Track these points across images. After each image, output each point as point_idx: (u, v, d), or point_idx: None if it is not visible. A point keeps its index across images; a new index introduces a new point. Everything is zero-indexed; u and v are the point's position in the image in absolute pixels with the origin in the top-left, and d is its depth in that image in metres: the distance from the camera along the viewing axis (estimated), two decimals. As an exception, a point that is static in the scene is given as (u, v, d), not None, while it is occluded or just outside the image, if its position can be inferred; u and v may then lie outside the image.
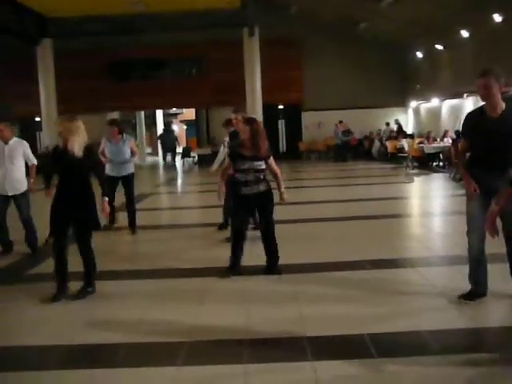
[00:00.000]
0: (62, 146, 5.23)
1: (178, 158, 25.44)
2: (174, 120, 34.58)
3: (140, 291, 5.40)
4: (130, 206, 8.49)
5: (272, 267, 5.68)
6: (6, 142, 6.78)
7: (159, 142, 25.55)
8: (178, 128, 34.05)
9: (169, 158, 24.32)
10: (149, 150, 29.97)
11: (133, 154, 8.44)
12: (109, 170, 8.23)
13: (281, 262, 5.76)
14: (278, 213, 5.88)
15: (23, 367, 3.78)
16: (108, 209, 5.50)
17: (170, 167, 23.61)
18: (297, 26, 22.06)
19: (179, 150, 26.25)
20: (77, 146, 5.10)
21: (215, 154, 9.66)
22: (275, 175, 5.69)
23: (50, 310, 4.89)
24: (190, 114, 30.80)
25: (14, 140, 6.86)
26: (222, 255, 6.06)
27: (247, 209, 5.75)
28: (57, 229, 5.20)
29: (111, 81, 23.62)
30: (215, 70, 23.09)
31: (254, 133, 5.42)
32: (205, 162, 21.36)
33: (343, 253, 6.53)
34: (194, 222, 9.87)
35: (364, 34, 21.55)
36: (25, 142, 7.01)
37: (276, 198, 5.71)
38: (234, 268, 5.68)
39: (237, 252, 5.68)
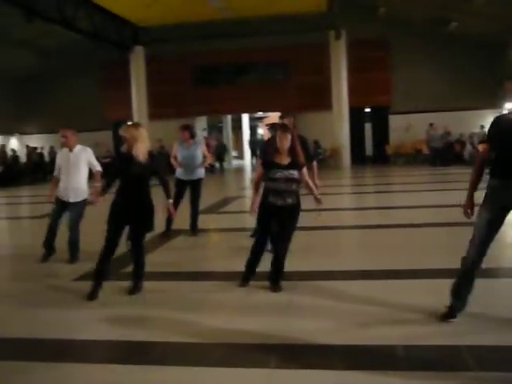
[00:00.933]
0: (126, 151, 5.36)
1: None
2: (260, 124, 34.83)
3: (184, 293, 5.50)
4: (194, 210, 8.40)
5: (274, 283, 5.33)
6: (71, 150, 6.83)
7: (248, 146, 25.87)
8: (263, 132, 34.28)
9: (254, 161, 24.56)
10: (235, 154, 30.38)
11: (204, 158, 8.41)
12: (179, 173, 8.37)
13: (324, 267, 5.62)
14: (362, 218, 5.72)
15: (83, 360, 3.98)
16: (173, 211, 5.71)
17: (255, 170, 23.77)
18: (384, 27, 21.55)
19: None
20: (142, 152, 5.28)
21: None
22: (307, 185, 5.40)
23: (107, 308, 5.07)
24: (275, 117, 30.93)
25: (79, 147, 6.89)
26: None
27: (270, 220, 5.29)
28: (112, 232, 5.29)
29: (198, 86, 24.18)
30: (301, 73, 23.04)
31: (293, 141, 5.21)
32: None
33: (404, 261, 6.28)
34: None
35: (455, 33, 20.71)
36: (89, 149, 7.02)
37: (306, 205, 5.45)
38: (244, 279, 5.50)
39: (251, 265, 5.46)
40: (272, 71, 24.39)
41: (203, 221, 8.74)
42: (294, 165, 5.17)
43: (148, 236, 5.67)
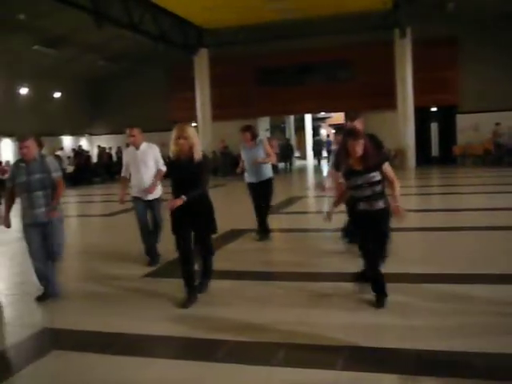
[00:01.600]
0: (176, 153, 5.17)
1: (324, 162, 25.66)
2: (322, 124, 34.64)
3: (251, 292, 5.55)
4: (264, 211, 8.22)
5: (379, 296, 4.92)
6: (138, 148, 6.80)
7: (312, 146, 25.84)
8: (326, 132, 34.06)
9: (316, 161, 24.44)
10: (297, 154, 30.31)
11: (269, 156, 8.10)
12: (247, 177, 8.19)
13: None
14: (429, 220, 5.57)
15: (152, 355, 4.08)
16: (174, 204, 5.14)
17: (317, 171, 23.72)
18: (453, 24, 20.91)
19: (324, 154, 26.36)
20: (198, 151, 5.14)
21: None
22: (391, 183, 4.90)
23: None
24: (338, 117, 30.63)
25: (145, 145, 6.83)
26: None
27: (366, 227, 4.93)
28: (180, 240, 5.21)
29: (262, 87, 24.28)
30: (365, 72, 22.72)
31: (365, 144, 4.79)
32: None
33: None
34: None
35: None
36: (155, 145, 6.92)
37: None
38: (360, 279, 5.28)
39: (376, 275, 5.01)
40: (335, 71, 24.18)
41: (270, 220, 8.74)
42: (372, 167, 4.81)
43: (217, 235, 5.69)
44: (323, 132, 33.93)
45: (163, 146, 19.65)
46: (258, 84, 24.35)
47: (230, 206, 12.67)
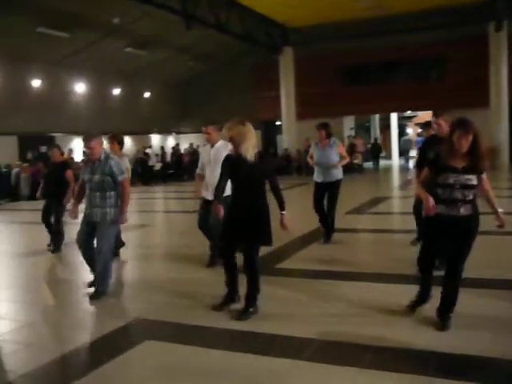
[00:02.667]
0: (233, 152, 4.88)
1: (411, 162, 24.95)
2: (408, 123, 33.72)
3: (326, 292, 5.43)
4: (330, 213, 7.96)
5: (444, 318, 4.38)
6: (213, 145, 6.61)
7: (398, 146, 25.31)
8: (412, 131, 33.13)
9: (402, 161, 23.82)
10: (382, 154, 29.65)
11: (342, 159, 7.82)
12: (315, 175, 7.98)
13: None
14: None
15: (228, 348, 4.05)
16: (287, 225, 4.87)
17: (403, 171, 23.13)
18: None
19: (412, 153, 25.60)
20: (250, 150, 4.74)
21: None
22: (486, 192, 4.31)
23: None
24: (426, 116, 29.72)
25: (220, 143, 6.56)
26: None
27: (440, 235, 4.38)
28: (226, 243, 4.91)
29: (347, 85, 23.97)
30: (454, 69, 21.86)
31: (476, 139, 4.18)
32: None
33: None
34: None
35: None
36: (230, 144, 6.21)
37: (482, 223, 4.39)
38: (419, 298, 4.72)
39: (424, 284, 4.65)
40: (423, 68, 23.45)
41: (351, 221, 8.61)
42: (473, 168, 4.22)
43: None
44: (409, 131, 33.02)
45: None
46: (343, 82, 24.06)
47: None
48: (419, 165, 5.77)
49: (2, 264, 8.00)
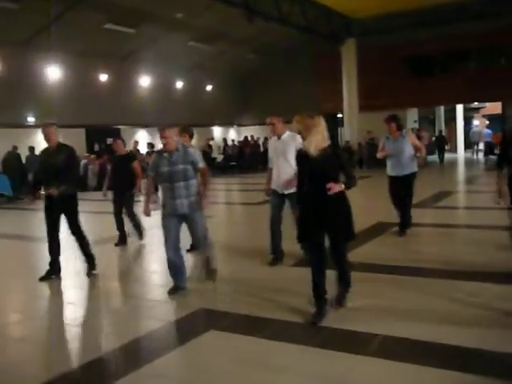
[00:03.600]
0: (303, 146, 4.75)
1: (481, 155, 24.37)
2: (475, 115, 32.61)
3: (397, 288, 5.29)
4: (405, 207, 7.78)
5: None
6: (279, 137, 6.40)
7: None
8: (479, 123, 32.03)
9: (469, 154, 23.13)
10: (447, 147, 28.83)
11: (416, 150, 7.65)
12: (388, 169, 7.84)
13: None
14: None
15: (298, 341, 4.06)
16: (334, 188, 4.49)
17: (470, 164, 22.48)
18: None
19: (481, 146, 24.90)
20: (313, 145, 4.56)
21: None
22: None
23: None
24: (494, 107, 28.65)
25: (287, 134, 6.37)
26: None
27: None
28: (307, 239, 4.73)
29: (411, 76, 23.41)
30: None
31: None
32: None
33: None
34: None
35: None
36: (298, 136, 5.83)
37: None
38: None
39: None
40: (491, 57, 22.57)
41: (416, 215, 8.42)
42: None
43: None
44: (476, 123, 31.94)
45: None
46: (406, 73, 23.50)
47: (377, 199, 12.41)
48: (500, 165, 5.29)
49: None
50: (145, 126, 22.63)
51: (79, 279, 6.51)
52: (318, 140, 4.56)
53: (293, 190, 5.83)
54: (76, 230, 6.53)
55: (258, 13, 17.35)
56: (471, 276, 5.62)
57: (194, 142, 7.81)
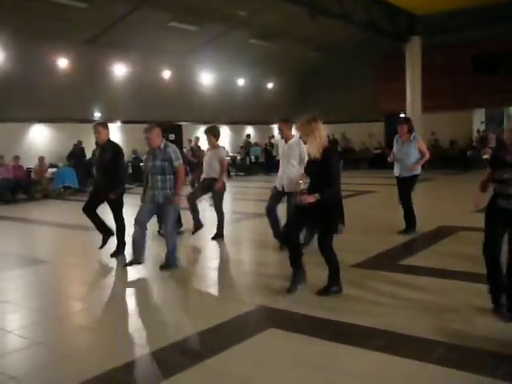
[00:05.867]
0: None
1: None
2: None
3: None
4: (405, 207, 8.11)
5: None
6: (286, 141, 7.08)
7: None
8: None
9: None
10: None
11: (422, 155, 7.94)
12: (394, 170, 8.22)
13: None
14: None
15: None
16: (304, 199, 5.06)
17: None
18: None
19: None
20: (314, 148, 5.10)
21: None
22: None
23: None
24: None
25: (294, 139, 6.98)
26: None
27: (504, 229, 4.47)
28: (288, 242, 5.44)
29: (477, 75, 22.65)
30: None
31: None
32: None
33: None
34: None
35: None
36: (302, 143, 6.14)
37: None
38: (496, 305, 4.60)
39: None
40: None
41: (479, 219, 8.16)
42: None
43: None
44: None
45: (370, 137, 19.90)
46: (473, 73, 22.74)
47: (439, 201, 12.14)
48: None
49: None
50: (206, 122, 22.90)
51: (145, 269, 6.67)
52: (317, 143, 5.06)
53: (293, 189, 6.65)
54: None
55: (320, 10, 17.20)
56: None
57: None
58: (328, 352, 4.02)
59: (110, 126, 18.54)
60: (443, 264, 6.37)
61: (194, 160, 16.64)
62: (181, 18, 18.45)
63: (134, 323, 5.00)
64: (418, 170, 8.09)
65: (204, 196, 8.75)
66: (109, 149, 7.11)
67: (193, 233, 8.40)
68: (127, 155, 19.12)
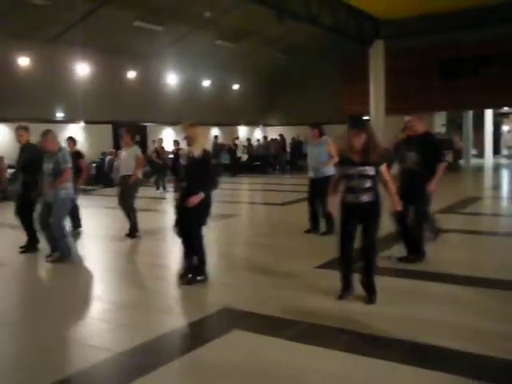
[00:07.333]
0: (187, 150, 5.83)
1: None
2: (504, 120, 32.10)
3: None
4: (322, 207, 8.24)
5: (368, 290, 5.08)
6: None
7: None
8: (509, 129, 31.53)
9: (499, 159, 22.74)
10: (474, 152, 28.43)
11: (331, 157, 8.11)
12: (308, 172, 8.65)
13: None
14: None
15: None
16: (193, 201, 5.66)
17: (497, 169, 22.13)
18: None
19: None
20: (198, 149, 5.77)
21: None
22: (385, 183, 5.08)
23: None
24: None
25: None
26: None
27: (353, 221, 5.04)
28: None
29: (440, 79, 23.11)
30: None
31: (369, 137, 4.93)
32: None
33: None
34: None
35: None
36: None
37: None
38: (344, 290, 5.16)
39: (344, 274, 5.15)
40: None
41: (442, 220, 8.32)
42: (366, 162, 4.92)
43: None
44: (505, 128, 31.45)
45: (336, 139, 19.78)
46: (435, 77, 23.21)
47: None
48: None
49: (99, 247, 8.40)
50: (171, 123, 22.74)
51: (103, 274, 6.53)
52: (201, 145, 5.78)
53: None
54: None
55: (287, 12, 17.27)
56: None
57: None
58: (290, 352, 4.01)
59: (73, 126, 18.28)
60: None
61: (159, 161, 16.52)
62: (146, 18, 18.27)
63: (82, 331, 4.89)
64: (331, 171, 7.97)
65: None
66: (27, 150, 7.67)
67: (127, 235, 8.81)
68: (91, 156, 18.85)
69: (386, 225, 5.90)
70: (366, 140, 4.92)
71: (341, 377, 3.62)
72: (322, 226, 8.46)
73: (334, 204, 5.31)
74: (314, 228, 8.62)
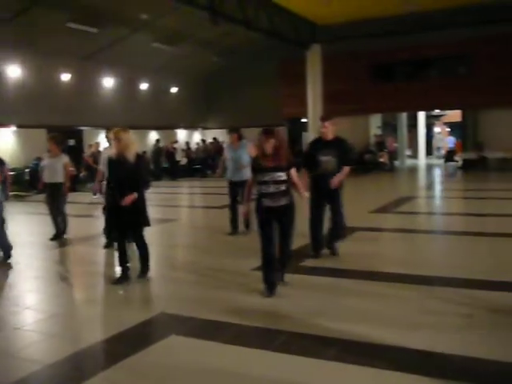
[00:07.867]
0: (117, 154, 5.97)
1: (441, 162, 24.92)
2: (436, 122, 33.28)
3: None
4: (234, 211, 8.69)
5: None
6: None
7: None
8: (440, 130, 32.71)
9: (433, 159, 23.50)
10: (408, 153, 29.32)
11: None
12: (228, 174, 8.87)
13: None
14: None
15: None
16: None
17: (429, 170, 22.91)
18: None
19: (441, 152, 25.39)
20: (131, 153, 5.96)
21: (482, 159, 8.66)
22: (295, 184, 5.47)
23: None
24: (455, 115, 29.26)
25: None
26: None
27: (271, 224, 5.38)
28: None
29: (375, 82, 23.70)
30: (486, 67, 21.37)
31: (278, 143, 5.32)
32: (470, 167, 20.98)
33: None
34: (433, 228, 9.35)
35: None
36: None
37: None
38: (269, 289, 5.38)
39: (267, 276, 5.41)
40: (452, 66, 22.98)
41: (375, 219, 8.55)
42: (278, 167, 5.29)
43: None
44: (437, 130, 32.61)
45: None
46: (370, 80, 23.77)
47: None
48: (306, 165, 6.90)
49: (29, 255, 8.11)
50: (107, 127, 22.21)
51: (33, 283, 6.31)
52: (134, 150, 6.00)
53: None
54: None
55: (222, 15, 17.27)
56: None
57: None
58: (229, 355, 3.99)
59: (4, 130, 17.56)
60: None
61: (95, 166, 16.12)
62: (79, 20, 17.81)
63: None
64: (249, 174, 8.25)
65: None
66: None
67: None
68: (24, 161, 18.22)
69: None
70: (276, 145, 5.28)
71: (277, 378, 3.64)
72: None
73: (248, 209, 5.71)
74: (235, 230, 8.79)
